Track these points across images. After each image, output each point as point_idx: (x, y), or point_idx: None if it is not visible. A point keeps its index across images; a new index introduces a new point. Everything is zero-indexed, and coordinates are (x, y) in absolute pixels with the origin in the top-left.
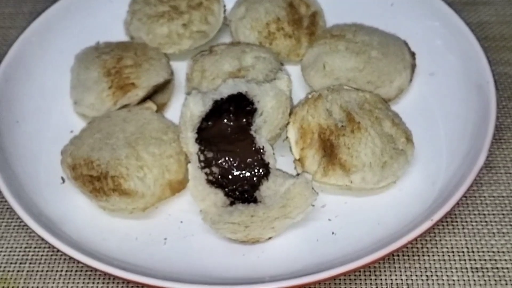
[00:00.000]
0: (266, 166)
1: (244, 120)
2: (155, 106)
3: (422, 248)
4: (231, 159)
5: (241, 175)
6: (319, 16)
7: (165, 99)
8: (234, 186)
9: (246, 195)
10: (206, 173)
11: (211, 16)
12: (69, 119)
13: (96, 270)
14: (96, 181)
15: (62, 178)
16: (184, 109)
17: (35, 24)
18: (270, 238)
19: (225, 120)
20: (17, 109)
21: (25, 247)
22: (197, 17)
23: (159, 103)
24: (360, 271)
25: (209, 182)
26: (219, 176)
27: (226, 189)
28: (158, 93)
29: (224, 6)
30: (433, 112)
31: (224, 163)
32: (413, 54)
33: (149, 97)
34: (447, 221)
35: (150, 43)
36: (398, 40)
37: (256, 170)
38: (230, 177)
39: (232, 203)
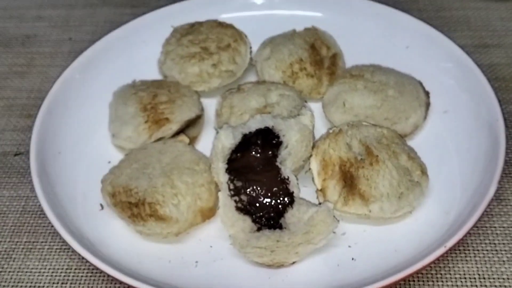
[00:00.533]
0: (290, 195)
1: (271, 152)
2: (187, 139)
3: (436, 274)
4: (259, 188)
5: (268, 203)
6: (339, 57)
7: (196, 133)
8: (261, 213)
9: (272, 222)
10: (235, 201)
11: (238, 57)
12: (107, 151)
13: None
14: (135, 207)
15: (101, 205)
16: (216, 142)
17: (76, 63)
18: (294, 262)
19: (253, 152)
20: (59, 141)
21: (66, 268)
22: (226, 57)
23: (191, 137)
24: None
25: (238, 209)
26: (247, 204)
27: (254, 216)
28: (190, 127)
29: (250, 47)
30: (446, 147)
31: (252, 192)
32: (427, 93)
33: (182, 131)
34: (459, 249)
35: (182, 81)
36: (413, 80)
37: (281, 199)
38: (257, 204)
39: (259, 229)
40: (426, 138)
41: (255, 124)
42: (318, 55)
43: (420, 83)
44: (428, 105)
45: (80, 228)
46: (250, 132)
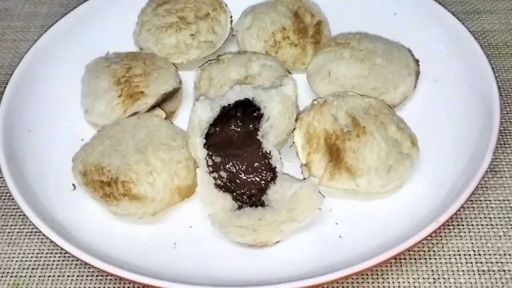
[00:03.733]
0: (273, 170)
1: (251, 125)
2: (164, 113)
3: (429, 251)
4: (239, 164)
5: (249, 179)
6: (323, 25)
7: (174, 107)
8: (242, 190)
9: (253, 199)
10: (214, 178)
11: (218, 27)
12: (80, 128)
13: (106, 273)
14: (107, 186)
15: (73, 185)
16: (193, 115)
17: (45, 36)
18: (277, 242)
19: (233, 126)
20: (28, 118)
21: (37, 253)
22: (205, 27)
23: (168, 111)
24: (367, 274)
25: (218, 186)
26: (227, 181)
27: (234, 193)
28: (167, 101)
29: (231, 16)
30: (437, 117)
31: (231, 168)
32: (417, 61)
33: (158, 105)
34: (453, 224)
35: (158, 53)
36: (402, 48)
37: (263, 174)
38: (238, 181)
39: (240, 207)
40: (416, 108)
41: (234, 96)
42: (301, 23)
43: (409, 51)
44: (418, 73)
45: (51, 210)
46: (229, 104)
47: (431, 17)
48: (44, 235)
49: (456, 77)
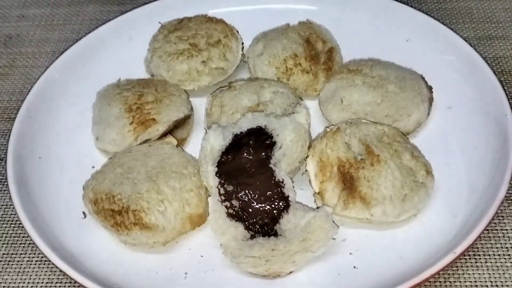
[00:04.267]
0: (286, 199)
1: (263, 153)
2: (175, 140)
3: (445, 282)
4: (251, 192)
5: (261, 208)
6: (335, 52)
7: (185, 134)
8: (254, 220)
9: (266, 229)
10: (226, 207)
11: (230, 53)
12: (91, 155)
13: None
14: (118, 215)
15: (84, 213)
16: (205, 143)
17: (57, 63)
18: (291, 272)
19: (245, 154)
20: (39, 145)
21: (46, 282)
22: (216, 54)
23: (179, 138)
24: None
25: (230, 215)
26: (240, 210)
27: (246, 223)
28: (178, 128)
29: (242, 43)
30: (452, 144)
31: (244, 196)
32: (430, 88)
33: (169, 132)
34: (469, 255)
35: (170, 80)
36: (415, 75)
37: (276, 203)
38: (250, 210)
39: (252, 237)
40: (430, 136)
41: (246, 124)
42: (313, 49)
43: (422, 77)
44: (431, 100)
45: (61, 238)
46: (241, 132)
47: (443, 43)
48: (53, 264)
49: (470, 104)
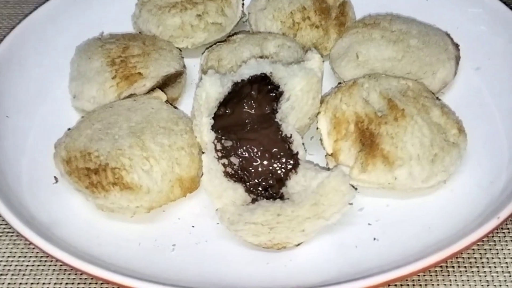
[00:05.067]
0: (294, 157)
1: (268, 106)
2: (164, 95)
3: (481, 258)
4: (253, 148)
5: (265, 167)
6: (349, 6)
7: (176, 94)
8: (257, 180)
9: (271, 191)
10: (223, 164)
11: (228, 8)
12: (67, 116)
13: (90, 277)
14: (94, 174)
15: (55, 178)
16: (199, 91)
17: (32, 16)
18: (299, 244)
19: (246, 106)
20: (8, 102)
21: (8, 256)
22: (213, 8)
23: (169, 98)
24: (407, 284)
25: (227, 175)
26: (239, 168)
27: (247, 184)
28: (169, 86)
29: (243, 0)
30: (483, 106)
31: (244, 153)
32: (457, 45)
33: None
34: (508, 228)
35: (160, 36)
36: (439, 31)
37: (282, 162)
38: (252, 169)
39: (254, 201)
40: (457, 97)
41: (248, 70)
42: (324, 2)
43: (447, 34)
44: (458, 58)
45: (29, 206)
46: (242, 80)
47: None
48: (18, 234)
49: (501, 62)
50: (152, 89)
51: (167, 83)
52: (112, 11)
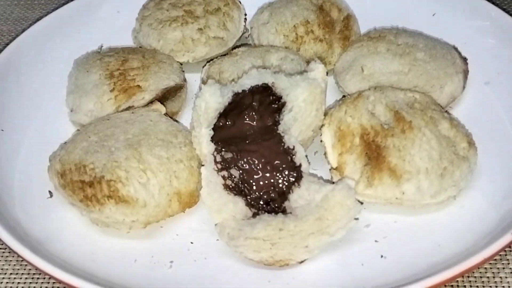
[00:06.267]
0: (297, 170)
1: (270, 118)
2: (163, 108)
3: (494, 277)
4: (255, 161)
5: (267, 180)
6: (353, 20)
7: (176, 108)
8: (258, 194)
9: (272, 205)
10: (223, 177)
11: (230, 23)
12: (64, 130)
13: None
14: (89, 187)
15: (50, 192)
16: (198, 101)
17: (33, 29)
18: (302, 261)
19: (247, 118)
20: (3, 115)
21: (10, 273)
22: (215, 22)
23: (169, 112)
24: None
25: (227, 188)
26: (240, 181)
27: (248, 198)
28: (169, 100)
29: (245, 14)
30: (494, 122)
31: (245, 165)
32: (465, 59)
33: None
34: None
35: (161, 50)
36: (447, 44)
37: (285, 174)
38: (253, 182)
39: (255, 215)
40: (466, 112)
41: (250, 81)
42: (328, 16)
43: (455, 48)
44: (466, 72)
45: (22, 220)
46: (243, 91)
47: (474, 12)
48: (13, 251)
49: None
50: (150, 102)
51: (167, 96)
52: (112, 26)
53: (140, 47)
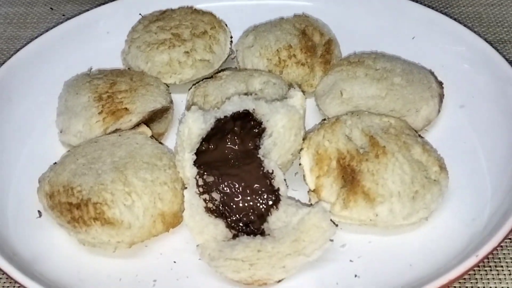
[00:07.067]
0: (275, 193)
1: (251, 142)
2: (149, 131)
3: None
4: (235, 184)
5: (246, 203)
6: (334, 44)
7: (162, 129)
8: (238, 216)
9: (252, 227)
10: (205, 200)
11: (216, 46)
12: (54, 150)
13: None
14: (76, 209)
15: (39, 212)
16: (182, 127)
17: (23, 51)
18: (280, 281)
19: (229, 142)
20: None
21: None
22: (201, 45)
23: (155, 133)
24: None
25: (209, 210)
26: (220, 204)
27: (229, 220)
28: (155, 121)
29: (231, 37)
30: (466, 145)
31: (226, 188)
32: (440, 83)
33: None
34: (490, 266)
35: (149, 72)
36: (423, 69)
37: (264, 198)
38: (233, 205)
39: (235, 236)
40: (441, 135)
41: (231, 107)
42: (310, 41)
43: (431, 72)
44: (441, 96)
45: (10, 240)
46: (225, 117)
47: (451, 37)
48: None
49: (485, 101)
50: (137, 124)
51: (153, 118)
52: (102, 47)
53: (128, 68)
